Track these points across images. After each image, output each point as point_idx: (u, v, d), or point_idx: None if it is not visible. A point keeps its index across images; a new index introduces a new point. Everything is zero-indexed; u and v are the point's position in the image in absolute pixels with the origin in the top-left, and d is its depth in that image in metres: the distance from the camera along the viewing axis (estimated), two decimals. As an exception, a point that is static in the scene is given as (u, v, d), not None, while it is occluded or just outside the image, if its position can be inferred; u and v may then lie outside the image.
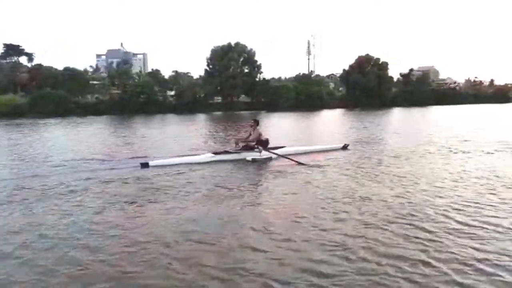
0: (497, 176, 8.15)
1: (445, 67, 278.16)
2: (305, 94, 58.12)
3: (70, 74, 52.48)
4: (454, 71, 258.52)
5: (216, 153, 10.93)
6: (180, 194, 7.15)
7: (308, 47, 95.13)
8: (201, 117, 40.70)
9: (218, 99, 58.97)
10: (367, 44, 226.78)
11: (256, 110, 52.92)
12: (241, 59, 57.69)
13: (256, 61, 59.15)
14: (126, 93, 48.87)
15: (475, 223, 5.25)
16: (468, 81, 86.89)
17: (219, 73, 56.00)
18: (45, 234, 5.10)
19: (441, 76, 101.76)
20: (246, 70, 58.32)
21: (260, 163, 10.30)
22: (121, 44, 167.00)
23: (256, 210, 6.19)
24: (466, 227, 5.09)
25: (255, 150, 10.83)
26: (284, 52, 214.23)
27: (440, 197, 6.63)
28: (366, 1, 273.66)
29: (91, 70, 73.18)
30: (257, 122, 11.55)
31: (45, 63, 62.18)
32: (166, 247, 4.62)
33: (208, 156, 10.68)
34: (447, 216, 5.56)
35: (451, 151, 12.08)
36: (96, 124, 30.52)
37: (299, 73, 70.85)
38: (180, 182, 8.23)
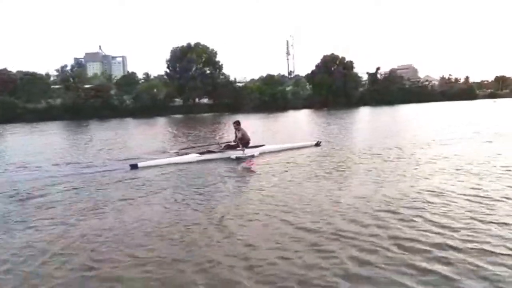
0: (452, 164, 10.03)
1: (426, 66, 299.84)
2: (269, 95, 60.09)
3: (30, 78, 51.99)
4: (434, 69, 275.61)
5: (201, 153, 12.22)
6: (169, 193, 8.05)
7: (287, 47, 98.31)
8: (160, 121, 41.31)
9: (179, 101, 59.85)
10: (346, 43, 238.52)
11: (218, 112, 53.94)
12: (202, 60, 58.83)
13: (218, 61, 60.41)
14: (79, 97, 48.90)
15: (450, 214, 5.97)
16: (442, 78, 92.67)
17: (179, 74, 57.02)
18: (35, 236, 5.67)
19: (421, 74, 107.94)
20: (207, 71, 59.54)
21: (244, 161, 11.67)
22: (100, 47, 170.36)
23: (241, 206, 6.93)
24: (438, 218, 5.78)
25: (238, 149, 12.29)
26: (265, 53, 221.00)
27: (404, 187, 8.27)
28: (355, 2, 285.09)
29: (56, 73, 71.92)
30: (239, 123, 13.01)
31: (20, 67, 61.29)
32: (158, 245, 5.19)
33: (194, 156, 11.95)
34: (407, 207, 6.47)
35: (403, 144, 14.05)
36: (50, 130, 30.73)
37: (263, 75, 72.59)
38: (168, 181, 9.32)
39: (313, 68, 68.81)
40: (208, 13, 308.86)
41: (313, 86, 68.24)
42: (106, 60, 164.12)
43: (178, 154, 12.70)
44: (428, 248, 4.75)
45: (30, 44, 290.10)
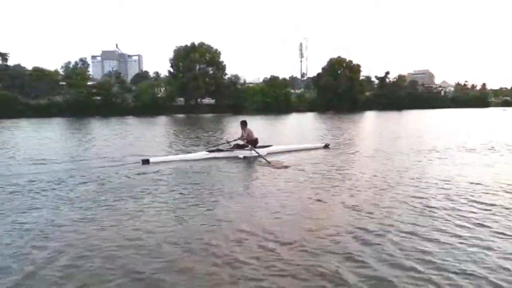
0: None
1: (444, 71, 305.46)
2: (271, 97, 60.70)
3: (39, 74, 52.94)
4: (452, 75, 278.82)
5: (210, 151, 12.82)
6: (178, 188, 8.45)
7: (301, 49, 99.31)
8: (161, 120, 41.80)
9: (181, 101, 60.54)
10: (362, 46, 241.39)
11: (220, 113, 54.54)
12: (206, 60, 59.51)
13: (221, 62, 61.17)
14: (81, 94, 49.66)
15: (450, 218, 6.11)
16: (458, 85, 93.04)
17: (182, 74, 57.74)
18: (53, 225, 5.96)
19: (438, 80, 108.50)
20: (210, 71, 60.26)
21: (251, 160, 12.26)
22: (116, 45, 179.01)
23: (246, 205, 7.15)
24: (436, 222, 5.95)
25: (246, 148, 12.89)
26: (280, 54, 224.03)
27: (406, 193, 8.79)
28: (366, 3, 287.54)
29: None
30: (245, 123, 13.66)
31: (38, 64, 62.90)
32: (169, 238, 5.38)
33: (203, 154, 12.55)
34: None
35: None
36: (49, 127, 31.33)
37: (268, 76, 73.15)
38: (178, 177, 9.87)
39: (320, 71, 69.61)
40: (225, 13, 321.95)
41: (318, 89, 68.80)
42: (122, 58, 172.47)
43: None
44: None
45: (49, 42, 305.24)
